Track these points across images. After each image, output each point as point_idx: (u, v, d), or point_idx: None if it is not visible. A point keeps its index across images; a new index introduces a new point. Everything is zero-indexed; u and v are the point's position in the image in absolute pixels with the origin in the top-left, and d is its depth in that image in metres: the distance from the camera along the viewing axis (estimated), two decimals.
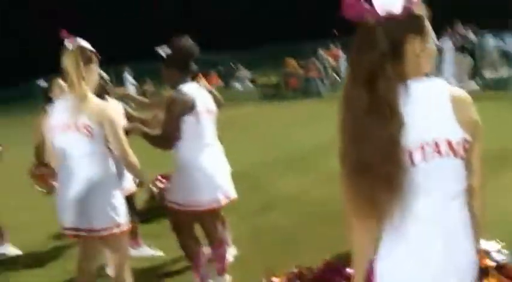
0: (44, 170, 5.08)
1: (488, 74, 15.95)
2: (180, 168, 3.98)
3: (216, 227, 4.29)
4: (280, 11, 47.91)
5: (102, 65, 3.66)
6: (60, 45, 3.32)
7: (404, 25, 1.66)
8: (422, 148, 1.63)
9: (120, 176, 3.83)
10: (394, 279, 1.76)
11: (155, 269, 4.75)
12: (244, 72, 24.16)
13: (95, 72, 3.50)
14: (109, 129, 3.31)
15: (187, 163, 3.93)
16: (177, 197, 3.99)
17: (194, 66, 4.21)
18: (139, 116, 4.92)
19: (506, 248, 3.69)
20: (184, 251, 4.22)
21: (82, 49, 3.34)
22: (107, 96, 4.65)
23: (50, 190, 5.03)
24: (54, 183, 4.86)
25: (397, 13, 1.65)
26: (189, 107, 3.85)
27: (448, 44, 15.69)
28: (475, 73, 16.10)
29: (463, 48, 16.54)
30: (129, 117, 4.76)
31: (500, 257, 3.55)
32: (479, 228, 1.79)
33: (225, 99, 4.95)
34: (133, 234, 5.20)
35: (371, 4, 1.66)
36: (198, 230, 4.27)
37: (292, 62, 21.77)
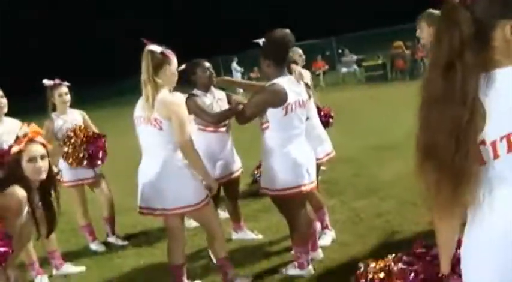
0: None
1: None
2: (267, 156, 4.07)
3: (305, 209, 4.35)
4: None
5: (210, 56, 3.88)
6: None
7: (496, 7, 1.52)
8: (508, 139, 1.52)
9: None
10: (478, 265, 1.71)
11: (254, 251, 4.88)
12: (350, 57, 23.84)
13: (171, 72, 3.82)
14: (175, 123, 3.68)
15: (274, 152, 4.02)
16: (268, 183, 4.11)
17: (291, 57, 4.33)
18: (241, 100, 5.09)
19: None
20: (290, 232, 4.30)
21: (152, 53, 3.73)
22: (212, 88, 4.99)
23: None
24: None
25: None
26: (278, 100, 3.90)
27: None
28: None
29: None
30: (230, 101, 5.03)
31: None
32: None
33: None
34: (236, 217, 5.42)
35: None
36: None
37: (399, 44, 21.28)
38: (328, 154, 5.08)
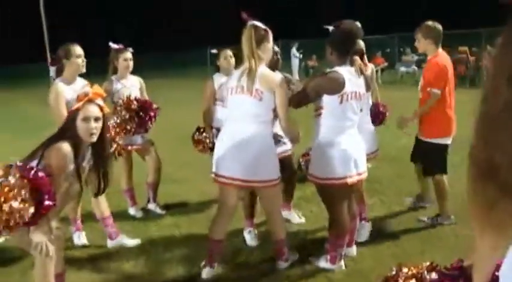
0: (203, 136, 5.60)
1: None
2: (318, 144, 4.08)
3: (351, 202, 4.40)
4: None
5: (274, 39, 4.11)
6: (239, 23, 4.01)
7: None
8: None
9: (276, 138, 4.38)
10: None
11: (289, 238, 4.88)
12: (411, 56, 23.34)
13: (268, 49, 4.03)
14: (278, 96, 3.91)
15: (325, 140, 4.03)
16: (315, 171, 4.11)
17: (357, 48, 4.38)
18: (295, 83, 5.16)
19: None
20: (329, 221, 4.31)
21: (256, 28, 3.92)
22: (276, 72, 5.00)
23: (206, 151, 5.51)
24: (210, 146, 5.35)
25: None
26: (336, 86, 3.93)
27: None
28: None
29: None
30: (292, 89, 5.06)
31: None
32: None
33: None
34: (287, 196, 5.44)
35: None
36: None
37: (464, 49, 20.71)
38: (373, 152, 5.06)
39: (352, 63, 4.14)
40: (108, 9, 55.27)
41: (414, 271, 3.33)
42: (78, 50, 4.78)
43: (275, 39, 4.23)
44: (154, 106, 5.52)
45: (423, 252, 4.58)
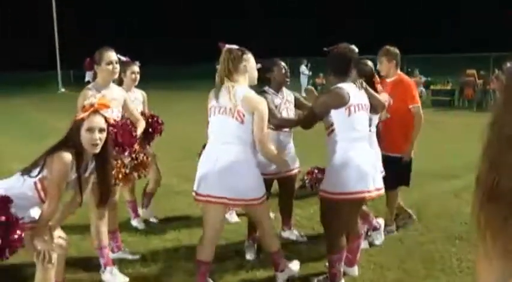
0: None
1: None
2: (334, 160, 4.10)
3: (356, 220, 4.43)
4: (467, 22, 46.25)
5: (281, 56, 4.11)
6: None
7: None
8: None
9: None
10: None
11: (290, 256, 4.85)
12: (419, 77, 23.39)
13: (249, 68, 4.09)
14: (255, 119, 3.90)
15: (340, 155, 4.06)
16: (329, 187, 4.12)
17: (366, 70, 4.71)
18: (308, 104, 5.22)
19: None
20: (327, 239, 4.31)
21: (230, 51, 4.03)
22: (283, 88, 5.12)
23: None
24: None
25: None
26: (340, 100, 4.01)
27: None
28: None
29: None
30: (300, 106, 5.20)
31: None
32: None
33: None
34: (287, 215, 5.45)
35: None
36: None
37: (472, 72, 20.74)
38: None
39: (353, 82, 4.23)
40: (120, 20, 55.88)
41: None
42: (109, 55, 4.57)
43: (284, 56, 4.30)
44: (160, 121, 5.56)
45: (426, 276, 4.54)
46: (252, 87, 4.17)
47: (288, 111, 5.03)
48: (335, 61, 4.20)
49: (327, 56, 4.26)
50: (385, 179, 4.91)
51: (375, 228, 5.26)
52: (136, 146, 4.61)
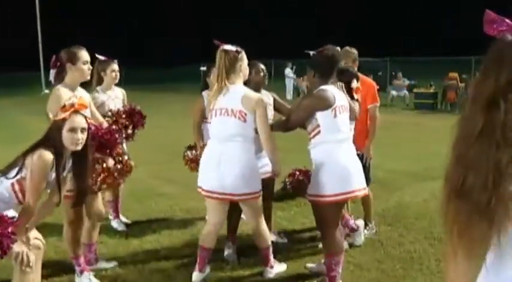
0: (194, 154, 5.58)
1: None
2: (321, 162, 4.13)
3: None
4: (449, 25, 46.72)
5: (266, 58, 4.14)
6: None
7: None
8: None
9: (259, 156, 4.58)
10: None
11: (274, 254, 4.86)
12: (402, 80, 23.56)
13: (243, 68, 4.23)
14: (258, 116, 4.10)
15: (325, 155, 4.10)
16: (318, 189, 4.14)
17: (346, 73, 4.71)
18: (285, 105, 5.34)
19: None
20: (324, 243, 4.33)
21: (226, 52, 4.12)
22: (262, 90, 5.11)
23: (196, 169, 5.48)
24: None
25: None
26: (326, 102, 4.04)
27: None
28: None
29: None
30: (278, 107, 5.24)
31: None
32: None
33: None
34: (266, 217, 5.44)
35: None
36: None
37: (454, 75, 20.93)
38: None
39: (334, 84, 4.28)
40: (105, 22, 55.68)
41: None
42: (85, 55, 4.47)
43: (268, 58, 4.33)
44: (142, 113, 5.38)
45: (404, 276, 4.57)
46: None
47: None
48: (322, 63, 4.21)
49: (312, 57, 4.30)
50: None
51: (354, 230, 5.29)
52: (119, 149, 4.57)
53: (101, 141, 4.17)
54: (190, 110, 5.78)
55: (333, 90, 4.11)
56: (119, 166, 4.50)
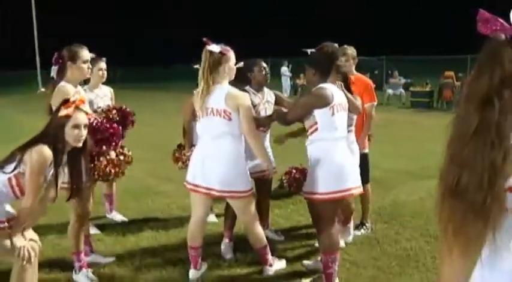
0: (183, 152, 5.59)
1: None
2: (317, 160, 4.14)
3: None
4: (445, 25, 46.78)
5: (263, 57, 4.15)
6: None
7: None
8: None
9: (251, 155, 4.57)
10: None
11: (271, 251, 4.88)
12: (398, 79, 23.59)
13: (228, 69, 4.19)
14: (241, 115, 4.10)
15: (321, 153, 4.12)
16: (313, 187, 4.15)
17: (340, 70, 4.59)
18: (287, 100, 5.41)
19: None
20: (320, 240, 4.33)
21: (211, 53, 4.12)
22: (264, 88, 5.16)
23: (185, 167, 5.49)
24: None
25: None
26: (324, 100, 4.05)
27: None
28: None
29: None
30: (279, 102, 5.26)
31: None
32: None
33: None
34: (264, 215, 5.46)
35: (508, 20, 1.50)
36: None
37: (450, 74, 20.97)
38: None
39: (332, 82, 4.28)
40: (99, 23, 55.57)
41: None
42: (86, 54, 4.51)
43: (265, 57, 4.33)
44: (132, 112, 5.26)
45: (400, 274, 4.60)
46: (235, 86, 4.29)
47: (267, 112, 5.04)
48: (321, 60, 4.20)
49: (310, 55, 4.26)
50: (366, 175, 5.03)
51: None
52: (121, 142, 4.62)
53: (106, 136, 4.26)
54: (183, 108, 5.78)
55: (332, 89, 4.13)
56: (121, 158, 4.60)
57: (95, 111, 5.00)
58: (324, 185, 4.09)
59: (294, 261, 4.90)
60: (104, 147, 4.33)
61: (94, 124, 4.19)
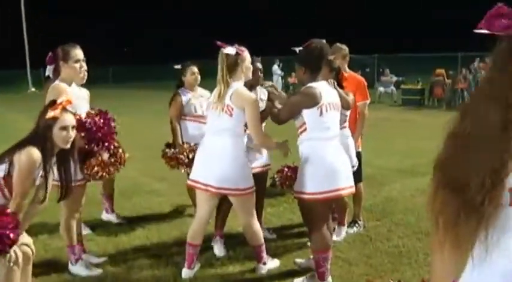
0: (173, 152, 5.59)
1: None
2: (306, 160, 4.14)
3: (329, 217, 4.46)
4: (437, 21, 46.94)
5: (254, 55, 4.45)
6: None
7: None
8: None
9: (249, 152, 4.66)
10: None
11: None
12: (389, 77, 23.67)
13: (245, 68, 4.26)
14: (247, 114, 4.13)
15: (312, 154, 4.10)
16: (303, 187, 4.14)
17: (333, 65, 4.73)
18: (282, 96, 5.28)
19: None
20: (312, 239, 4.31)
21: (227, 56, 4.16)
22: (257, 88, 5.13)
23: (181, 166, 5.48)
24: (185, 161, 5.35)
25: None
26: (312, 100, 4.03)
27: None
28: None
29: None
30: (271, 98, 5.13)
31: None
32: None
33: None
34: (257, 213, 5.44)
35: None
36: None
37: (441, 71, 21.06)
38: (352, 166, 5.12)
39: (325, 79, 4.29)
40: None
41: None
42: (78, 54, 4.43)
43: (256, 56, 4.35)
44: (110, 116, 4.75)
45: (393, 270, 4.61)
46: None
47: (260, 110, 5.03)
48: (310, 57, 4.17)
49: (299, 53, 4.24)
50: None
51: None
52: (115, 142, 4.56)
53: (98, 135, 4.21)
54: (171, 107, 5.82)
55: (322, 87, 4.10)
56: (112, 159, 4.50)
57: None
58: (313, 184, 4.08)
59: (287, 259, 4.90)
60: (96, 148, 4.26)
61: (87, 123, 4.16)
